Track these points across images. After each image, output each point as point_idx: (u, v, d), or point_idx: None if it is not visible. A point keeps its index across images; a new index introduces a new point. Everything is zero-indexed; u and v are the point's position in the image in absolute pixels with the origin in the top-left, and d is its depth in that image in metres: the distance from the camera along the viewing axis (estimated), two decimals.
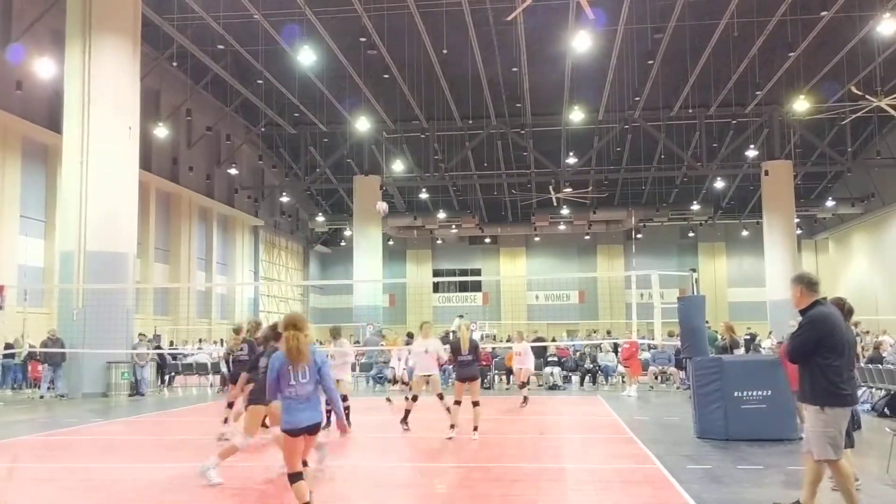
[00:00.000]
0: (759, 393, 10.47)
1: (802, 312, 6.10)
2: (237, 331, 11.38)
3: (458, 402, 10.74)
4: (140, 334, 21.66)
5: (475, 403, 10.74)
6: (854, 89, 25.59)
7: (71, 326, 18.54)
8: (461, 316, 38.26)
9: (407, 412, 11.77)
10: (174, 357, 23.91)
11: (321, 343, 12.09)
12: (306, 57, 24.76)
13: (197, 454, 10.06)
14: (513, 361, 18.41)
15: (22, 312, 19.20)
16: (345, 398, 11.36)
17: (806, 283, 6.10)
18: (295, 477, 5.66)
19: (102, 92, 19.33)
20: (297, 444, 5.66)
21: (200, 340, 30.34)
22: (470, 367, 10.74)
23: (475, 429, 10.66)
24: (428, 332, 12.26)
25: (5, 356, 20.81)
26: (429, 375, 11.85)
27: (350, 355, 12.89)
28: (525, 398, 15.74)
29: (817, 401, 5.88)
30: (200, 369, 22.67)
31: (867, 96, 25.37)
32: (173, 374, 22.47)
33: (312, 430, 5.71)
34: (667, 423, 12.80)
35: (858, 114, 27.53)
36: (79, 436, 11.83)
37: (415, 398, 11.93)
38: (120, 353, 18.65)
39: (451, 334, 30.36)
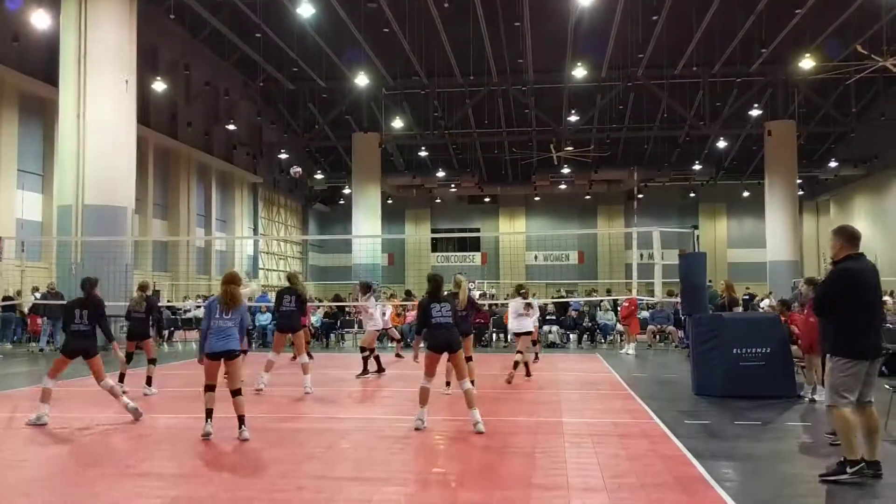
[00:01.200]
0: (758, 350, 10.47)
1: (835, 265, 6.21)
2: (143, 287, 11.22)
3: None
4: (230, 272, 21.57)
5: (468, 358, 10.67)
6: (860, 49, 25.26)
7: (69, 281, 18.51)
8: (461, 273, 38.38)
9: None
10: (173, 312, 23.97)
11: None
12: (305, 10, 24.36)
13: (194, 405, 10.09)
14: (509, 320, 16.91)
15: (20, 266, 19.16)
16: (372, 350, 13.09)
17: (847, 236, 6.19)
18: (209, 388, 7.64)
19: (99, 45, 19.07)
20: (212, 365, 7.62)
21: (198, 297, 30.34)
22: (464, 322, 10.61)
23: (471, 382, 10.65)
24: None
25: (5, 309, 20.80)
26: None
27: (372, 315, 13.50)
28: (517, 365, 13.02)
29: (828, 348, 6.14)
30: (200, 324, 22.68)
31: (873, 56, 25.06)
32: (172, 328, 22.53)
33: (227, 355, 7.55)
34: (665, 381, 12.84)
35: (863, 74, 27.23)
36: (77, 388, 11.84)
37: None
38: (119, 306, 18.63)
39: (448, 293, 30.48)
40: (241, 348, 7.86)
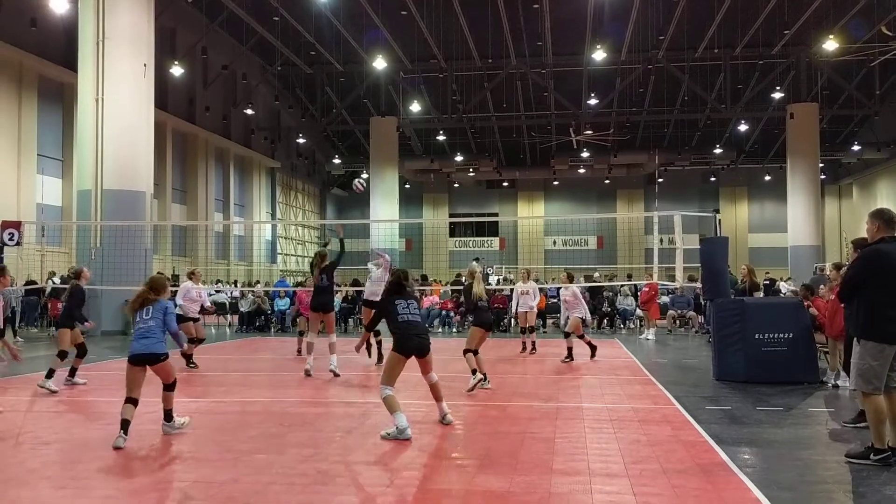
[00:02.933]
0: (781, 335, 10.34)
1: (863, 248, 6.22)
2: (76, 274, 10.96)
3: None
4: (158, 273, 21.76)
5: (475, 352, 10.53)
6: (884, 30, 24.85)
7: (89, 265, 18.61)
8: (477, 259, 38.31)
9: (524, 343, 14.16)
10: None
11: None
12: None
13: (213, 389, 10.13)
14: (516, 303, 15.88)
15: (40, 250, 19.30)
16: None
17: (886, 219, 6.08)
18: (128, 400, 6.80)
19: (117, 29, 19.10)
20: (133, 371, 6.90)
21: (218, 281, 30.50)
22: (483, 313, 10.29)
23: (484, 376, 10.72)
24: (525, 277, 14.92)
25: (27, 293, 20.99)
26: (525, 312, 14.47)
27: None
28: (526, 345, 14.54)
29: (857, 331, 6.03)
30: (219, 309, 22.84)
31: None
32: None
33: (148, 360, 6.95)
34: (685, 366, 12.74)
35: (888, 55, 26.78)
36: (98, 371, 11.93)
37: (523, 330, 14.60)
38: (139, 289, 18.74)
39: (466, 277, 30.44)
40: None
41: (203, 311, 13.54)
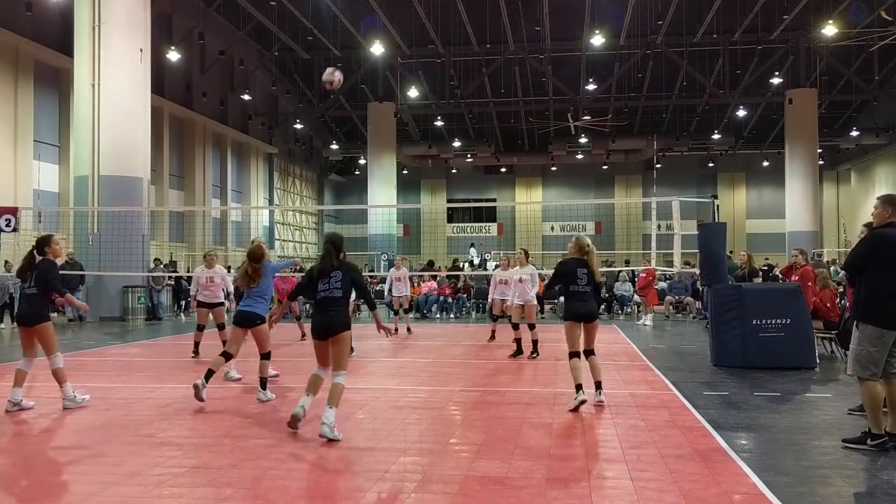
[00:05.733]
0: (778, 321, 10.36)
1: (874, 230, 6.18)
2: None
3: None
4: (156, 259, 21.78)
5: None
6: (884, 15, 24.74)
7: (87, 251, 18.63)
8: (473, 245, 38.28)
9: (517, 341, 11.83)
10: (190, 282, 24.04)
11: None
12: None
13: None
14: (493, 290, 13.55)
15: (37, 236, 19.23)
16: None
17: (894, 204, 6.03)
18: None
19: (113, 14, 19.02)
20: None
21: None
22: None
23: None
24: (523, 260, 12.03)
25: None
26: (523, 304, 11.79)
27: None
28: (521, 345, 11.90)
29: (856, 315, 6.03)
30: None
31: None
32: (189, 298, 22.63)
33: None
34: (683, 352, 12.77)
35: (887, 40, 26.70)
36: (97, 357, 11.94)
37: (515, 326, 11.88)
38: (136, 275, 18.76)
39: (464, 264, 30.42)
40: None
41: (227, 296, 12.48)
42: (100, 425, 6.90)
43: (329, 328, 6.38)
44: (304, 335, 14.37)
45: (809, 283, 11.29)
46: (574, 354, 7.66)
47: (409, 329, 16.08)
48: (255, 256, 8.17)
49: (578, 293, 7.75)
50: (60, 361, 7.66)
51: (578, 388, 7.45)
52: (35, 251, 7.76)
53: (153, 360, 11.85)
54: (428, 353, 11.97)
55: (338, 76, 10.35)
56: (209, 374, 7.79)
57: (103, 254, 18.08)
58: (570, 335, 7.72)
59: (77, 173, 19.48)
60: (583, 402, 7.36)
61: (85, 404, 7.65)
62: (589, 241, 8.10)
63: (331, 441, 6.13)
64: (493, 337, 14.07)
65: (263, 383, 8.08)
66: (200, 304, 11.45)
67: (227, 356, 8.02)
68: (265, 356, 8.10)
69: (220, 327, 11.38)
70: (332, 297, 6.43)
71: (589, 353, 7.74)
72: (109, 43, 18.91)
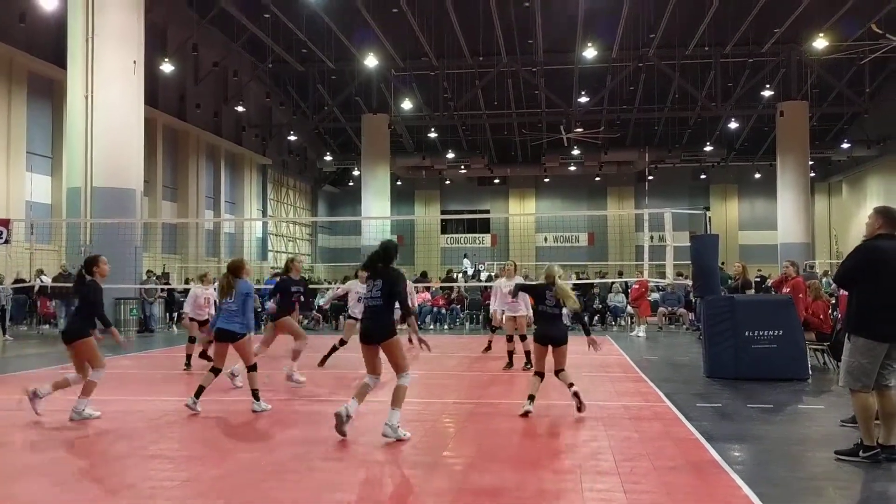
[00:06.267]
0: (771, 332, 10.39)
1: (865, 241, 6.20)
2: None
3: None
4: (148, 271, 21.72)
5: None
6: (874, 28, 24.90)
7: (79, 263, 18.56)
8: (466, 256, 38.29)
9: (509, 353, 11.86)
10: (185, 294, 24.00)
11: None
12: None
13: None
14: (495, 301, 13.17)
15: (29, 248, 19.20)
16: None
17: (889, 217, 6.05)
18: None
19: (106, 25, 19.02)
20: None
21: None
22: None
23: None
24: (511, 272, 12.22)
25: (16, 291, 20.90)
26: (515, 316, 11.79)
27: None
28: (513, 358, 11.94)
29: (848, 327, 6.08)
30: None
31: (887, 35, 24.69)
32: (181, 312, 22.58)
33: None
34: (676, 363, 12.79)
35: (877, 53, 26.88)
36: None
37: (509, 339, 11.89)
38: (129, 287, 18.69)
39: (458, 275, 30.43)
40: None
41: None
42: (92, 437, 6.87)
43: (371, 335, 6.63)
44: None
45: (801, 295, 11.33)
46: (538, 374, 7.90)
47: (409, 340, 16.03)
48: (233, 268, 8.32)
49: (546, 315, 8.00)
50: (100, 377, 7.76)
51: (531, 398, 7.73)
52: (84, 271, 8.07)
53: (145, 373, 11.81)
54: (422, 365, 11.95)
55: None
56: (199, 391, 7.88)
57: None
58: (535, 355, 8.02)
59: (70, 185, 19.42)
60: (528, 412, 7.61)
61: (90, 419, 7.60)
62: (558, 272, 8.19)
63: (398, 441, 6.42)
64: (489, 347, 13.99)
65: (256, 394, 8.08)
66: (192, 319, 11.76)
67: (215, 372, 8.05)
68: (252, 368, 8.15)
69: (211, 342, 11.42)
70: (372, 304, 6.66)
71: (558, 371, 7.89)
72: (103, 54, 18.90)
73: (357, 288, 11.75)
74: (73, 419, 7.53)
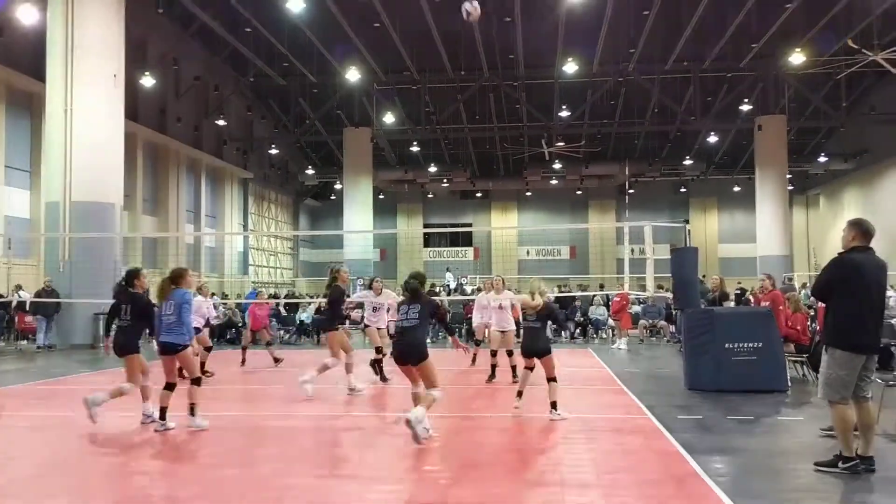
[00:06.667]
0: (750, 345, 10.46)
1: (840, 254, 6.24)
2: None
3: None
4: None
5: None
6: (851, 43, 25.26)
7: (58, 278, 18.40)
8: (449, 269, 38.32)
9: (493, 367, 11.86)
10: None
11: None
12: (295, 4, 24.24)
13: (182, 403, 10.01)
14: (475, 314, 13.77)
15: (7, 263, 19.00)
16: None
17: (862, 229, 6.12)
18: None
19: (86, 38, 18.91)
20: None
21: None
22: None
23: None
24: (500, 287, 12.24)
25: None
26: (503, 331, 11.92)
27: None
28: (495, 370, 11.91)
29: (826, 339, 6.11)
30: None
31: (863, 50, 25.07)
32: None
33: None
34: (657, 375, 12.83)
35: (854, 68, 27.24)
36: (66, 385, 11.76)
37: (493, 353, 11.93)
38: (108, 302, 18.47)
39: (441, 288, 30.43)
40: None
41: (207, 324, 13.43)
42: (72, 454, 6.79)
43: (407, 357, 7.16)
44: (243, 361, 14.44)
45: (780, 307, 11.43)
46: (527, 368, 8.76)
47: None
48: (174, 276, 8.11)
49: (528, 328, 8.70)
50: (129, 391, 8.06)
51: (519, 394, 8.61)
52: (125, 283, 8.40)
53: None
54: (405, 379, 11.89)
55: (477, 8, 10.86)
56: (163, 413, 7.73)
57: (74, 280, 17.86)
58: (525, 364, 8.78)
59: (48, 199, 19.25)
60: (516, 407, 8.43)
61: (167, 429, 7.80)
62: (538, 286, 8.83)
63: (421, 440, 6.68)
64: (473, 361, 13.86)
65: (193, 409, 7.85)
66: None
67: (170, 387, 7.84)
68: (195, 381, 7.95)
69: (207, 349, 12.67)
70: (409, 325, 7.20)
71: (549, 379, 8.37)
72: (82, 68, 18.79)
73: (371, 298, 12.01)
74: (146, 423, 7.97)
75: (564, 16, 27.68)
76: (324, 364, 10.19)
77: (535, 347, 8.43)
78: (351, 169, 36.55)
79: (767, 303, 11.54)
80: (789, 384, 10.63)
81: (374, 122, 36.69)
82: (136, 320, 8.14)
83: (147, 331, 8.36)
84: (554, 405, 8.19)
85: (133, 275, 8.44)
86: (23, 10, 21.00)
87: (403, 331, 7.27)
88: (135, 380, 8.10)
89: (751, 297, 16.12)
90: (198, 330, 11.80)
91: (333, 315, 10.53)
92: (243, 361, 14.45)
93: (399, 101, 37.29)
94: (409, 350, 7.14)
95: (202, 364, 11.85)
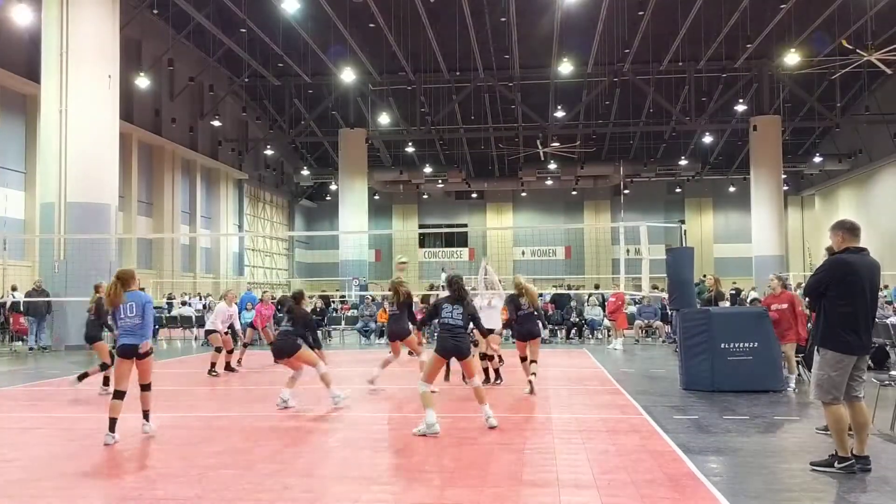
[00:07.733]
0: (746, 345, 10.47)
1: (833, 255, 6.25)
2: (97, 288, 10.92)
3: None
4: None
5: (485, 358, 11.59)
6: (845, 43, 25.33)
7: (53, 279, 18.35)
8: (444, 269, 38.31)
9: (485, 370, 11.64)
10: (158, 310, 23.81)
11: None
12: (290, 5, 24.22)
13: (179, 404, 10.00)
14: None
15: (2, 264, 18.94)
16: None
17: (846, 228, 6.15)
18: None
19: (81, 40, 18.89)
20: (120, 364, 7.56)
21: (183, 294, 30.18)
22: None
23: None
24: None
25: None
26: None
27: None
28: (489, 373, 11.59)
29: (818, 340, 6.09)
30: (185, 322, 22.60)
31: (858, 50, 25.14)
32: (157, 326, 22.36)
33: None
34: (653, 376, 12.83)
35: (848, 68, 27.31)
36: (61, 387, 11.73)
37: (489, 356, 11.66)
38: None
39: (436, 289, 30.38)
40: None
41: (232, 330, 14.37)
42: (66, 456, 6.77)
43: (458, 352, 8.01)
44: (240, 360, 14.57)
45: (799, 308, 10.80)
46: (523, 358, 10.76)
47: (410, 353, 15.92)
48: (123, 278, 7.69)
49: (526, 315, 10.65)
50: (324, 369, 9.43)
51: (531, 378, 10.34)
52: (295, 302, 9.74)
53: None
54: (398, 379, 11.90)
55: None
56: (112, 424, 7.35)
57: (69, 281, 17.80)
58: (518, 349, 10.85)
59: (43, 200, 19.21)
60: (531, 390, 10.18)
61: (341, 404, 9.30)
62: (521, 280, 10.93)
63: (491, 429, 7.69)
64: (487, 378, 13.60)
65: (146, 415, 7.73)
66: (214, 331, 13.63)
67: (119, 395, 7.50)
68: (145, 387, 7.73)
69: (230, 352, 13.83)
70: (454, 324, 8.00)
71: (532, 360, 10.45)
72: (77, 69, 18.76)
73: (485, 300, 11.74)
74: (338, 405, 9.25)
75: (560, 16, 27.73)
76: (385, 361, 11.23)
77: (527, 329, 10.57)
78: (346, 170, 36.55)
79: (785, 305, 10.75)
80: (793, 386, 10.61)
81: (369, 122, 36.70)
82: (299, 326, 9.54)
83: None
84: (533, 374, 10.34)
85: (299, 296, 9.96)
86: (17, 12, 20.96)
87: (451, 328, 7.97)
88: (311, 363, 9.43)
89: (759, 299, 15.42)
90: (213, 331, 13.64)
91: (408, 319, 11.03)
92: (240, 360, 14.43)
93: (394, 102, 37.33)
94: (460, 346, 7.98)
95: (239, 360, 14.19)
